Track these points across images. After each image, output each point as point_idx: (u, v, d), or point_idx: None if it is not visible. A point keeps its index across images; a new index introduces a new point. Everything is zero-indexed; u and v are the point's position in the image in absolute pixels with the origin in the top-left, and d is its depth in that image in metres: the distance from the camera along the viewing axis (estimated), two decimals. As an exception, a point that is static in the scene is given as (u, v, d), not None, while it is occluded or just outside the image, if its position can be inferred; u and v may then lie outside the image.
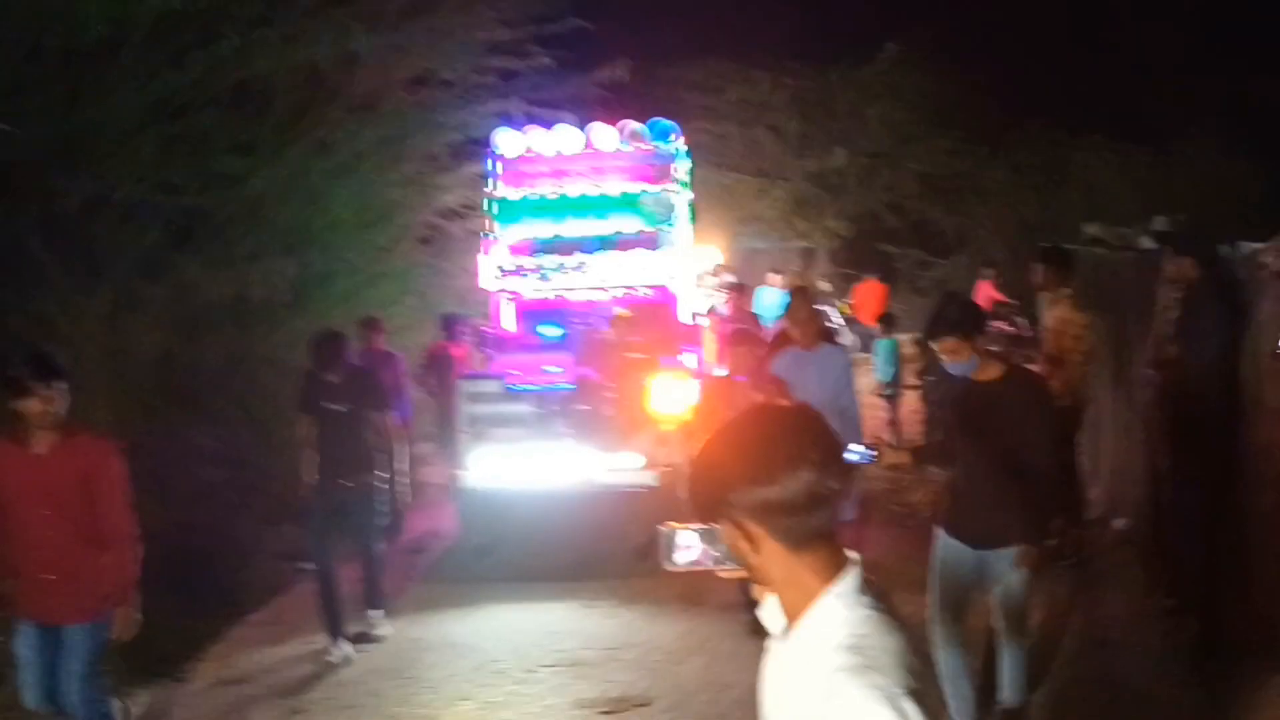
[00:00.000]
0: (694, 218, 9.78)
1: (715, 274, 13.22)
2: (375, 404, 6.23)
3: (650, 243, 9.08)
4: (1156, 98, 17.84)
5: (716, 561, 1.68)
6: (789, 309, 6.72)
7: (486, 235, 9.29)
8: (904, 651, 1.51)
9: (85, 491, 4.07)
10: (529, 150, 9.10)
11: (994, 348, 5.47)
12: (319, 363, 5.99)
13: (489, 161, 9.26)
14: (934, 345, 4.32)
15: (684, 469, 5.92)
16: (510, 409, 7.79)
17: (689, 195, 9.49)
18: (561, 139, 9.11)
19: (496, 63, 10.74)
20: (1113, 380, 6.80)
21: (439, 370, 9.19)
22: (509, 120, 9.95)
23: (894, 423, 10.91)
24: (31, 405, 3.92)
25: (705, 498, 1.60)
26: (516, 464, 7.64)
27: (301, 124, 9.21)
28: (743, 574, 1.64)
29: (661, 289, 9.06)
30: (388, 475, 6.44)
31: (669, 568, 1.72)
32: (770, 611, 1.65)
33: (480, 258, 9.32)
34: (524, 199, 9.11)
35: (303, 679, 5.60)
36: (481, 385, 8.00)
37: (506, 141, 9.13)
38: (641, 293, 9.02)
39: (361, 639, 6.01)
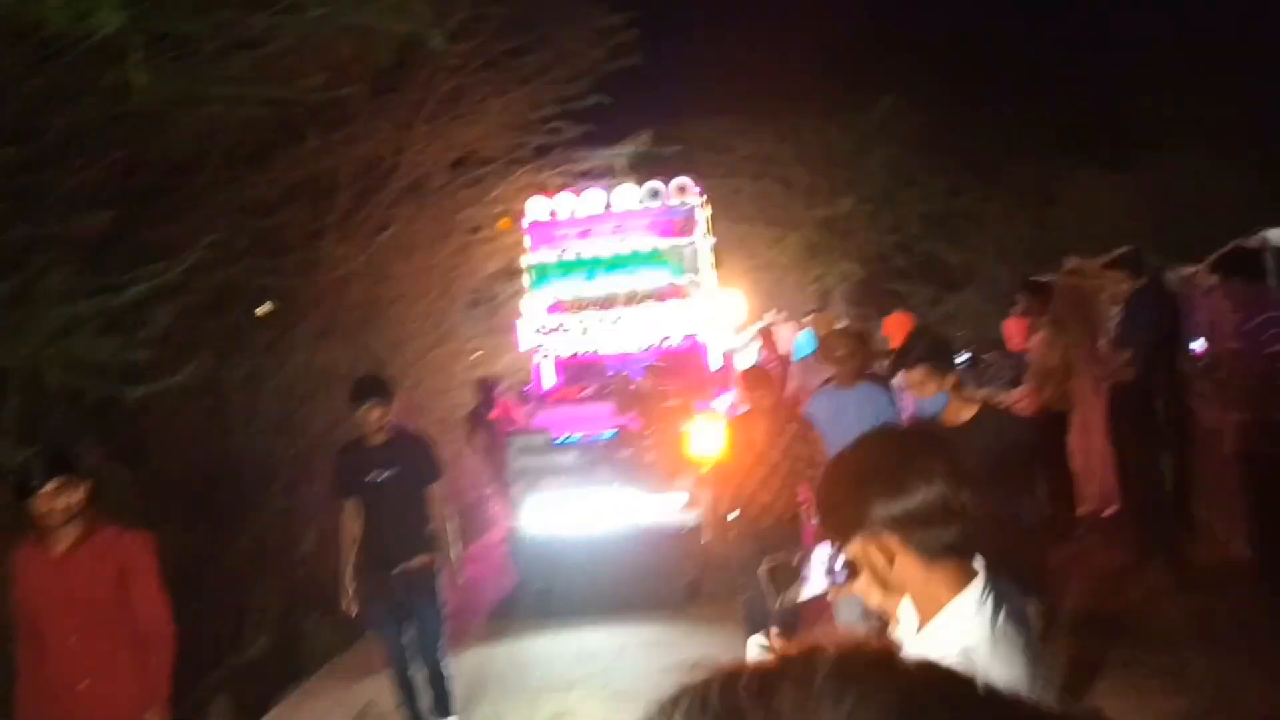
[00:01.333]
0: (716, 265, 10.56)
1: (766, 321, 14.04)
2: (428, 472, 5.40)
3: (677, 293, 9.58)
4: (1141, 120, 18.90)
5: (834, 587, 1.76)
6: (825, 346, 6.60)
7: (524, 298, 9.95)
8: (1021, 662, 1.57)
9: (117, 591, 3.71)
10: (557, 215, 9.77)
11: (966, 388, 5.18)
12: (361, 395, 5.21)
13: (522, 229, 9.97)
14: (903, 377, 4.19)
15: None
16: (557, 460, 8.13)
17: (711, 244, 10.06)
18: (587, 202, 9.79)
19: (530, 140, 11.84)
20: (1094, 389, 7.76)
21: (481, 432, 9.87)
22: (543, 190, 10.67)
23: None
24: (38, 503, 3.59)
25: (843, 514, 1.67)
26: (566, 511, 8.00)
27: (363, 209, 10.34)
28: (852, 592, 1.71)
29: (691, 337, 9.57)
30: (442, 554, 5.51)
31: (787, 604, 1.96)
32: (904, 628, 1.69)
33: (519, 319, 10.03)
34: (556, 261, 9.73)
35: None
36: (528, 439, 8.41)
37: (536, 209, 9.86)
38: (672, 342, 9.51)
39: None
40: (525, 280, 10.03)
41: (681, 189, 9.85)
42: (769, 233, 20.57)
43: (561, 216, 9.79)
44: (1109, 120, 19.39)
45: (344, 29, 6.46)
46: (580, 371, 9.64)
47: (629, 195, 9.79)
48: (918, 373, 4.07)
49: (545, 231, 9.83)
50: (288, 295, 8.37)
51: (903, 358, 4.15)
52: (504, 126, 11.45)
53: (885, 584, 1.63)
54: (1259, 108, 16.18)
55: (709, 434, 8.06)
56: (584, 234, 9.79)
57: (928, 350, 4.15)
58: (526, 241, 9.97)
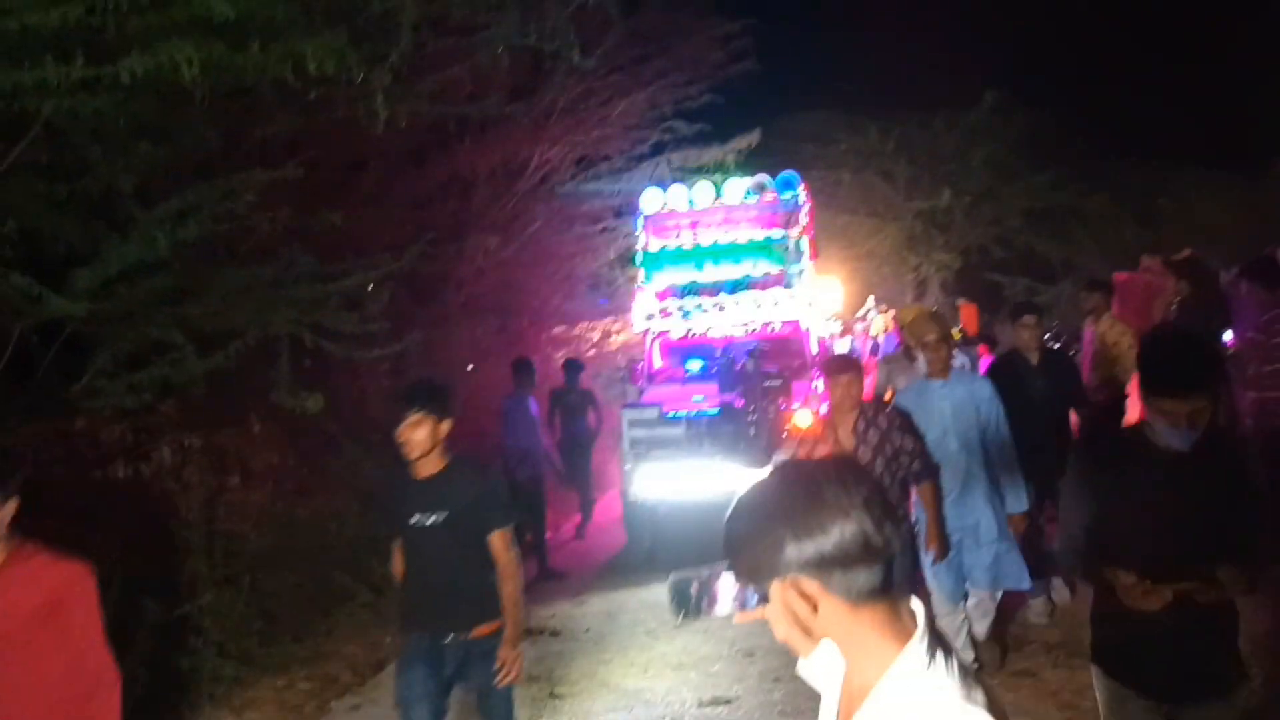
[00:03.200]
0: (817, 255, 10.65)
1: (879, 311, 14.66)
2: (492, 515, 3.97)
3: (780, 282, 10.07)
4: (1251, 123, 18.95)
5: (743, 609, 1.62)
6: (912, 331, 5.98)
7: (637, 283, 10.47)
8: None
9: (43, 627, 3.09)
10: (669, 206, 10.23)
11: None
12: (406, 403, 3.88)
13: (637, 219, 10.51)
14: (1163, 403, 2.75)
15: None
16: (666, 432, 8.65)
17: (811, 238, 10.41)
18: (697, 194, 10.22)
19: (648, 137, 12.79)
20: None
21: (559, 411, 10.13)
22: (658, 183, 11.27)
23: None
24: None
25: (755, 559, 1.50)
26: (673, 479, 8.49)
27: (499, 203, 11.57)
28: (758, 616, 1.59)
29: (792, 323, 10.04)
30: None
31: (686, 622, 1.75)
32: (816, 666, 1.62)
33: (633, 303, 10.62)
34: (666, 249, 10.28)
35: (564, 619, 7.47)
36: (640, 413, 8.93)
37: (650, 200, 10.34)
38: (774, 327, 9.99)
39: None
40: (639, 267, 10.62)
41: (786, 183, 10.34)
42: (869, 223, 21.29)
43: (674, 208, 10.33)
44: (1217, 123, 19.50)
45: (509, 49, 7.49)
46: (688, 353, 10.19)
47: (737, 188, 10.27)
48: (1200, 401, 2.74)
49: (658, 222, 10.39)
50: (442, 279, 9.61)
51: (1177, 376, 2.73)
52: (625, 126, 12.50)
53: (808, 631, 1.49)
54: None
55: (806, 413, 8.55)
56: (694, 225, 10.36)
57: (1205, 368, 2.83)
58: (641, 231, 10.54)
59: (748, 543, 1.52)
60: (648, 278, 10.30)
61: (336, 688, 5.89)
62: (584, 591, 8.14)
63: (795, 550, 1.47)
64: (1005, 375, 5.99)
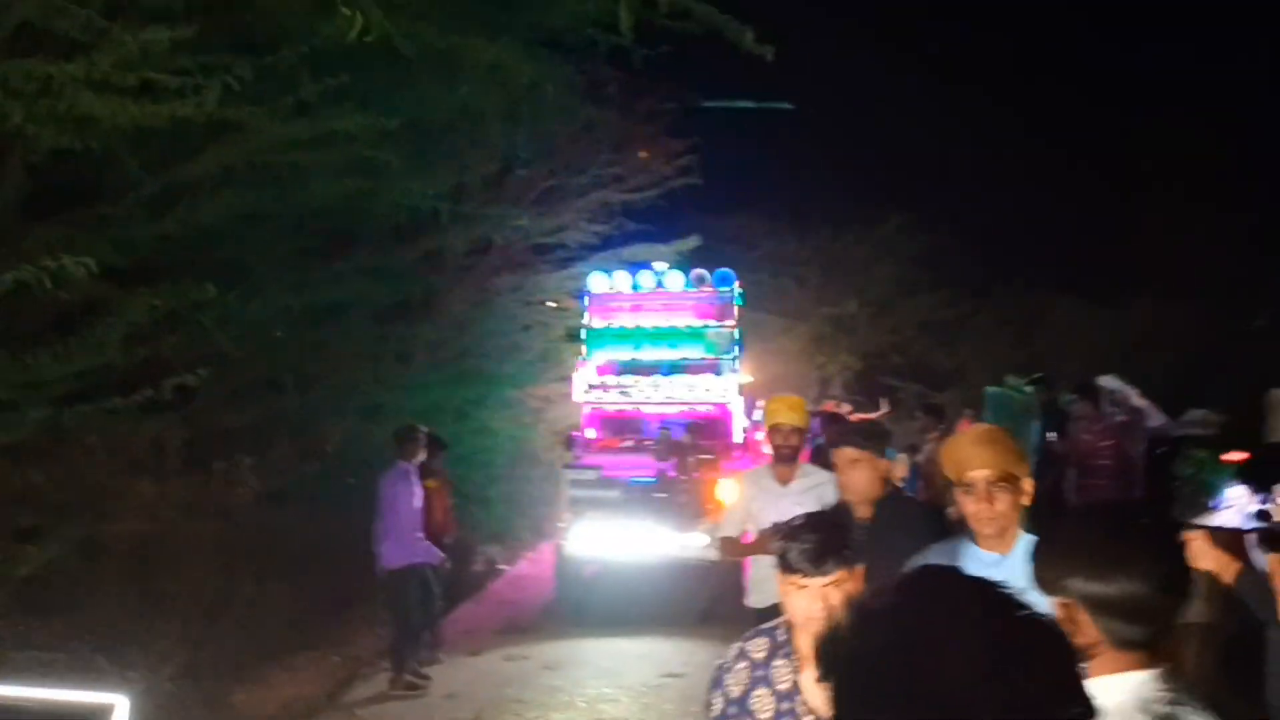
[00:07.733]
0: (742, 350, 11.38)
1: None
2: None
3: (712, 369, 11.06)
4: (1119, 261, 21.42)
5: None
6: (958, 458, 3.02)
7: (580, 357, 11.37)
8: None
9: None
10: (614, 289, 11.18)
11: None
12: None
13: (583, 297, 11.46)
14: None
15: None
16: (604, 494, 9.39)
17: (740, 331, 11.34)
18: (640, 280, 11.17)
19: (599, 231, 14.25)
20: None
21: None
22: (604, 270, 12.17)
23: None
24: None
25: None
26: (609, 540, 9.23)
27: (468, 278, 12.91)
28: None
29: (720, 405, 10.93)
30: None
31: None
32: None
33: (574, 375, 11.46)
34: (609, 328, 11.14)
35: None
36: (582, 473, 9.74)
37: (596, 282, 11.41)
38: (704, 408, 10.91)
39: None
40: (582, 343, 11.47)
41: (723, 279, 11.50)
42: (781, 322, 23.17)
43: (619, 290, 11.38)
44: (1093, 261, 21.94)
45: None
46: (622, 425, 11.20)
47: (677, 279, 11.40)
48: None
49: (603, 302, 11.39)
50: (414, 340, 10.91)
51: None
52: (582, 220, 14.01)
53: None
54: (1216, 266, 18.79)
55: (729, 489, 8.85)
56: (636, 308, 11.33)
57: None
58: (586, 309, 11.56)
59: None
60: (589, 353, 11.14)
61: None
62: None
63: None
64: None
